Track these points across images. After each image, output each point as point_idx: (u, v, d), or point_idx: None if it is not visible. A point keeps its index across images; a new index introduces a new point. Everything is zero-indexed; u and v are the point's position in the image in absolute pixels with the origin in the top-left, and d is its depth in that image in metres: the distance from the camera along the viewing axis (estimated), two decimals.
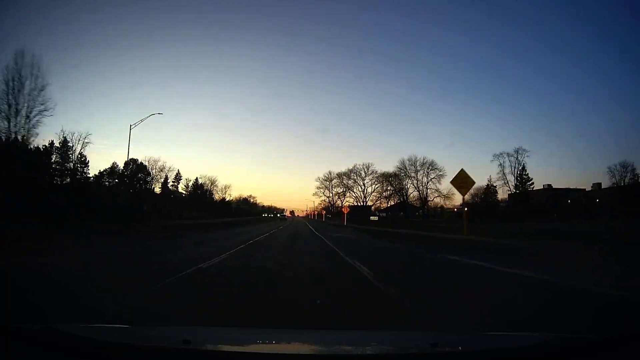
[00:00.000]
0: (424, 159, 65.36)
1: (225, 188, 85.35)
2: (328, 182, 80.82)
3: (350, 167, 77.15)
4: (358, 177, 76.77)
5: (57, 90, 64.83)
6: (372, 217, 71.08)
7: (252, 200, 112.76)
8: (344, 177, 78.60)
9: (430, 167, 64.79)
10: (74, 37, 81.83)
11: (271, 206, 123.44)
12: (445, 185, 63.45)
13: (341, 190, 79.35)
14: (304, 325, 3.86)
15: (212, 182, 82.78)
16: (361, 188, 76.83)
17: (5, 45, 58.05)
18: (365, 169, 75.65)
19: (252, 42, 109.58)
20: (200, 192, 79.75)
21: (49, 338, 1.51)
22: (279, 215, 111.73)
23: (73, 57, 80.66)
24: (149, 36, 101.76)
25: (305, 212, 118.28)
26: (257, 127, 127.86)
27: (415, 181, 65.81)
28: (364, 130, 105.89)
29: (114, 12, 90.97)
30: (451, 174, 50.32)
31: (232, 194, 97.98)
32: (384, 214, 74.94)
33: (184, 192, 77.20)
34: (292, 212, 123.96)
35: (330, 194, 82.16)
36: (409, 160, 65.95)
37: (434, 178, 64.44)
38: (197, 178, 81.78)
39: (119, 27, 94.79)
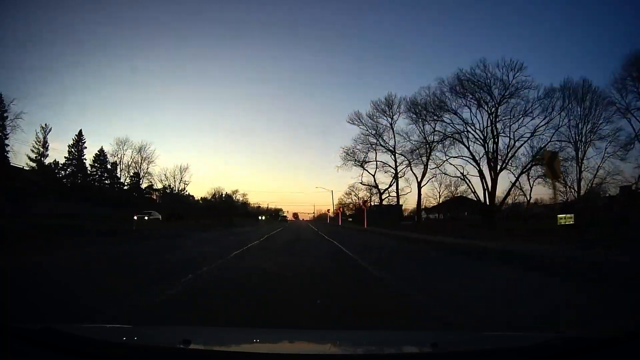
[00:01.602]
0: None
1: (181, 171, 53.79)
2: (389, 115, 34.66)
3: (469, 67, 30.05)
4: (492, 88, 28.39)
5: (57, 90, 64.62)
6: (562, 216, 16.93)
7: (240, 199, 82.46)
8: (447, 96, 30.32)
9: None
10: (74, 37, 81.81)
11: (269, 207, 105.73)
12: None
13: (434, 139, 31.45)
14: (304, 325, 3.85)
15: (145, 157, 47.46)
16: (492, 130, 28.82)
17: (5, 46, 58.09)
18: (508, 72, 28.37)
19: (252, 42, 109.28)
20: (104, 168, 46.77)
21: (49, 338, 1.51)
22: (261, 218, 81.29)
23: (72, 57, 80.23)
24: (149, 36, 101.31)
25: (312, 216, 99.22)
26: (259, 128, 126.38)
27: None
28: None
29: (114, 11, 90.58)
30: None
31: (216, 188, 71.95)
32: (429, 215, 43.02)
33: (31, 161, 40.16)
34: (295, 215, 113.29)
35: (394, 155, 35.28)
36: None
37: None
38: (80, 131, 44.55)
39: (118, 27, 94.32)
